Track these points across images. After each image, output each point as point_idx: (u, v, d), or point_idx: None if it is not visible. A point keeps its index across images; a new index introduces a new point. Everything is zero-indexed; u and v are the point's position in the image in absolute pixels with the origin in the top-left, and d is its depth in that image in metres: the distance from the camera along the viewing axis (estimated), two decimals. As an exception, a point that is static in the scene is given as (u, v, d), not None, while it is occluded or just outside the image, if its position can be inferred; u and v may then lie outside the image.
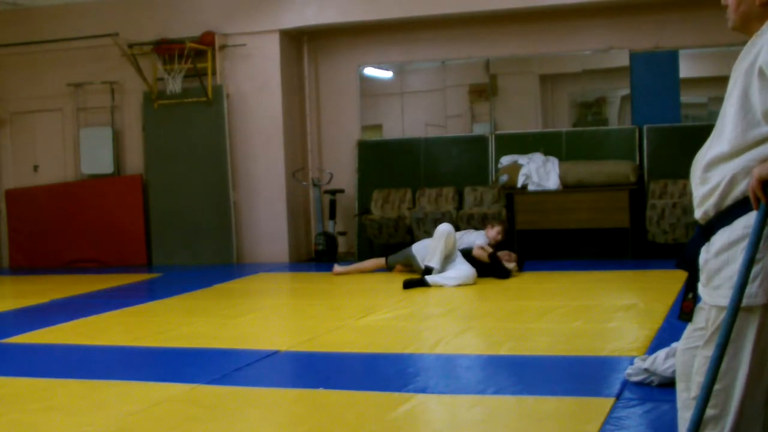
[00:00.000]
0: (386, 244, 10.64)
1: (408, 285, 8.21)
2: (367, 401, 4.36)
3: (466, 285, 8.29)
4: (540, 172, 10.22)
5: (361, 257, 10.78)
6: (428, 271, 8.44)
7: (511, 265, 8.76)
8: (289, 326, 7.11)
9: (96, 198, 11.76)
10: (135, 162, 11.84)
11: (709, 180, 2.60)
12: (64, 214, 11.77)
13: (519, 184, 10.25)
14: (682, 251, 2.79)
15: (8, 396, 4.75)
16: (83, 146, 11.84)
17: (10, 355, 6.05)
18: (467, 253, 8.68)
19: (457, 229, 10.04)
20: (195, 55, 10.98)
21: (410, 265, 9.08)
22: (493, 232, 9.18)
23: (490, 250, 8.75)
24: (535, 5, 10.48)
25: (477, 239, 9.05)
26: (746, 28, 2.63)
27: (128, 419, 4.15)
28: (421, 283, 8.28)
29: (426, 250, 8.72)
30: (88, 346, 6.14)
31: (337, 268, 9.43)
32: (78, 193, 11.88)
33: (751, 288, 2.49)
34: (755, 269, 2.48)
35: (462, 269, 8.43)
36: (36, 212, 11.97)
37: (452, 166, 11.10)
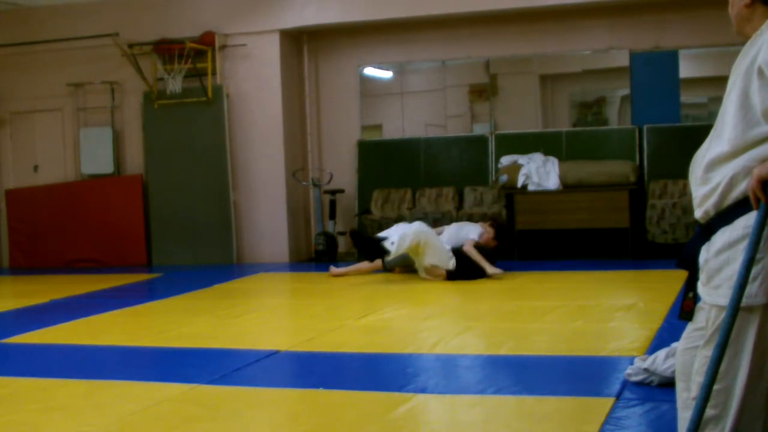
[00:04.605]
0: (386, 244, 10.63)
1: (356, 237, 8.30)
2: (367, 401, 4.36)
3: (437, 270, 8.43)
4: (540, 172, 10.22)
5: (362, 257, 10.77)
6: (379, 241, 8.51)
7: (493, 271, 8.59)
8: (289, 326, 7.11)
9: (96, 198, 11.76)
10: (135, 162, 11.84)
11: (710, 180, 2.61)
12: (64, 214, 11.77)
13: (519, 184, 10.24)
14: (682, 251, 2.79)
15: (8, 396, 4.75)
16: (83, 146, 11.84)
17: (10, 355, 6.05)
18: (457, 251, 8.68)
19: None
20: (195, 55, 10.98)
21: (410, 265, 9.07)
22: (487, 234, 9.13)
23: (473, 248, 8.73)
24: (535, 5, 10.48)
25: (470, 233, 9.03)
26: (741, 29, 2.68)
27: (128, 419, 4.15)
28: (377, 247, 8.40)
29: (435, 248, 8.68)
30: (88, 346, 6.14)
31: (333, 269, 9.41)
32: (78, 193, 11.88)
33: (752, 288, 2.49)
34: (755, 269, 2.48)
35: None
36: (36, 212, 11.96)
37: (452, 166, 11.09)
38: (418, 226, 8.66)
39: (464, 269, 8.56)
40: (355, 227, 8.41)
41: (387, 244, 8.45)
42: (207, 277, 9.66)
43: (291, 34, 11.39)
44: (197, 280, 9.52)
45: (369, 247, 8.37)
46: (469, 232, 9.06)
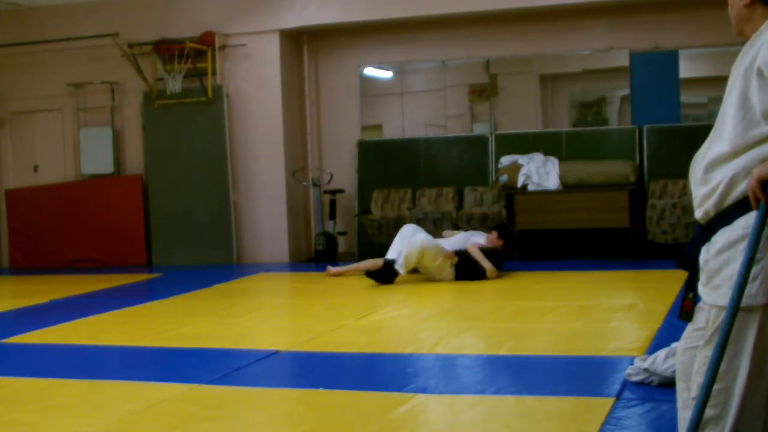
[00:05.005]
0: (386, 244, 10.59)
1: (373, 275, 8.42)
2: (367, 401, 4.36)
3: (445, 267, 8.54)
4: (540, 172, 10.22)
5: (361, 257, 10.77)
6: (390, 265, 8.53)
7: (489, 267, 8.62)
8: (289, 326, 7.11)
9: (96, 198, 11.76)
10: (135, 162, 11.84)
11: (710, 180, 2.61)
12: (64, 214, 11.77)
13: (519, 184, 10.24)
14: (682, 251, 2.79)
15: (8, 396, 4.75)
16: (83, 146, 11.84)
17: (10, 355, 6.06)
18: (461, 252, 8.69)
19: (457, 229, 10.08)
20: (195, 55, 10.98)
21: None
22: (492, 236, 9.12)
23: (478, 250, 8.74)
24: (535, 5, 10.48)
25: (479, 239, 9.04)
26: (741, 30, 2.68)
27: (128, 419, 4.15)
28: (390, 271, 8.43)
29: (436, 251, 8.68)
30: (88, 346, 6.14)
31: (330, 269, 9.40)
32: (78, 193, 11.88)
33: (751, 288, 2.49)
34: (755, 269, 2.48)
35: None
36: (36, 212, 11.96)
37: (452, 166, 11.09)
38: (421, 237, 8.68)
39: (466, 269, 8.56)
40: (376, 270, 8.84)
41: (397, 266, 8.55)
42: (207, 277, 9.67)
43: (291, 34, 11.39)
44: (197, 280, 9.52)
45: (384, 276, 8.50)
46: (477, 239, 9.08)
